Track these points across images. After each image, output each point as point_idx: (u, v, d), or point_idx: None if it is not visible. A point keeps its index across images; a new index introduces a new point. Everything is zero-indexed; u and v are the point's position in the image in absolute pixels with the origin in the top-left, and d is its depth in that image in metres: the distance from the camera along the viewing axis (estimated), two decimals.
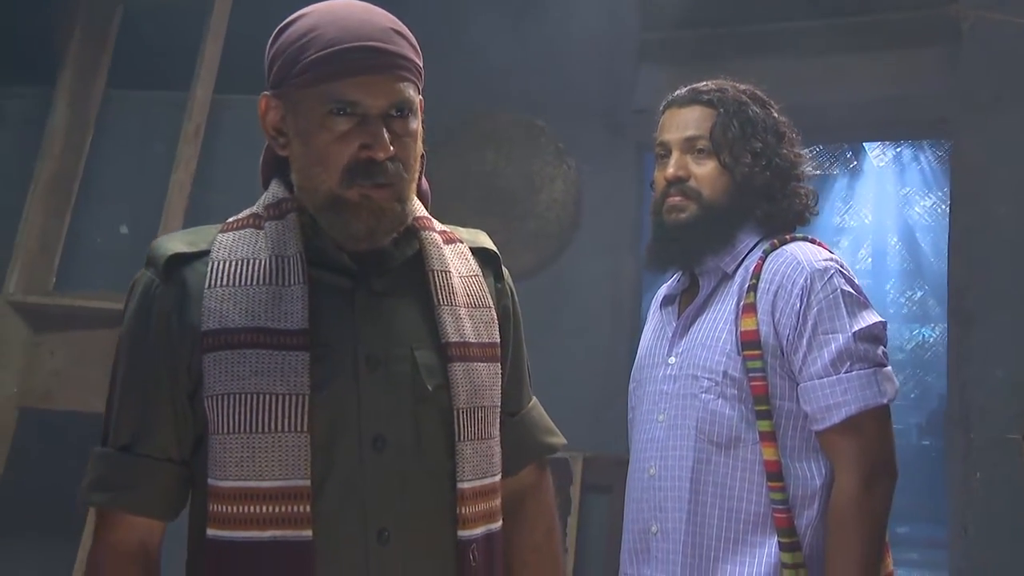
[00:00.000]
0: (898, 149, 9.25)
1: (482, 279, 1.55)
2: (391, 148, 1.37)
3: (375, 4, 1.43)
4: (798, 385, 1.87)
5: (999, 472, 3.44)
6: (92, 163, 3.68)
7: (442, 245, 1.51)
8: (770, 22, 3.81)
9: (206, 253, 1.43)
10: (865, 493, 1.82)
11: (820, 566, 1.84)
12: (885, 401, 1.85)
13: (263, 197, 1.50)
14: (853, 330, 1.85)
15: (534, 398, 1.68)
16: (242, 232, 1.45)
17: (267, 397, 1.35)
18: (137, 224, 3.60)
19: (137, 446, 1.40)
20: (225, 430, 1.36)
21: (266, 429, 1.35)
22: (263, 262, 1.42)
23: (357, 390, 1.40)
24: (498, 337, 1.53)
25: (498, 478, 1.50)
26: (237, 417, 1.35)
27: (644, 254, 2.08)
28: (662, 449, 1.95)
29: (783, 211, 2.00)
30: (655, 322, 2.11)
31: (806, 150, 2.06)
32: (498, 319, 1.54)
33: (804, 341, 1.86)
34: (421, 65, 1.43)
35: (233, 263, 1.42)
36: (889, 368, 1.88)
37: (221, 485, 1.36)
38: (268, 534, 1.33)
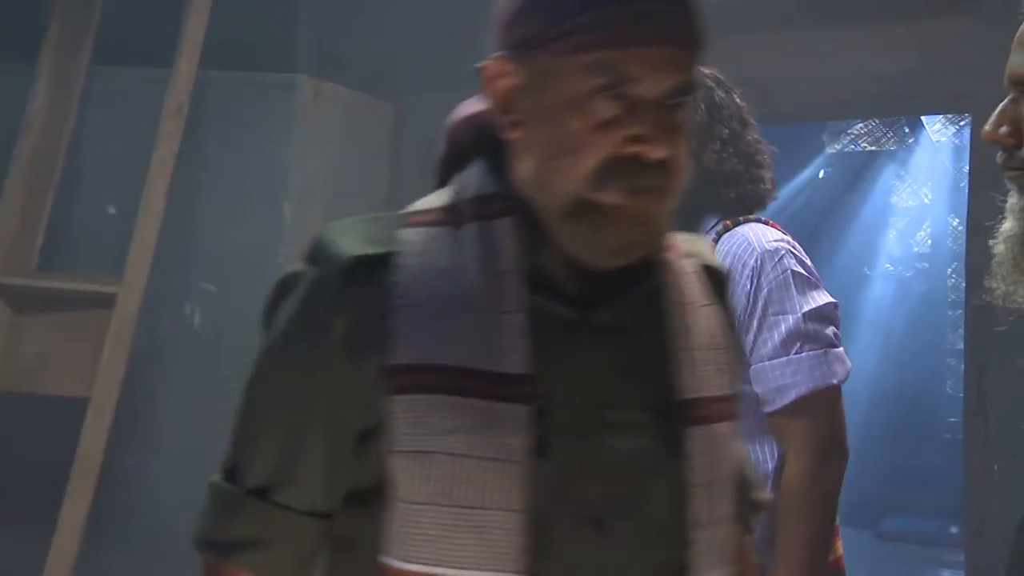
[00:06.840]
0: (961, 123, 8.83)
1: (719, 310, 1.22)
2: (663, 150, 1.05)
3: None
4: (750, 367, 1.89)
5: (1018, 464, 3.23)
6: (76, 142, 3.57)
7: (687, 271, 1.19)
8: None
9: (391, 256, 1.11)
10: (816, 474, 1.84)
11: (772, 548, 1.85)
12: (835, 382, 1.88)
13: (460, 186, 1.16)
14: (803, 310, 1.88)
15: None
16: (436, 231, 1.13)
17: (473, 462, 1.06)
18: (123, 204, 3.49)
19: (276, 492, 1.13)
20: (414, 499, 1.07)
21: (469, 504, 1.06)
22: (469, 278, 1.10)
23: (579, 458, 1.10)
24: (736, 386, 1.23)
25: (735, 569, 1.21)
26: (431, 484, 1.07)
27: None
28: None
29: (748, 195, 2.03)
30: None
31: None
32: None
33: (755, 322, 1.90)
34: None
35: (429, 274, 1.10)
36: (840, 349, 1.91)
37: (403, 568, 1.07)
38: None
